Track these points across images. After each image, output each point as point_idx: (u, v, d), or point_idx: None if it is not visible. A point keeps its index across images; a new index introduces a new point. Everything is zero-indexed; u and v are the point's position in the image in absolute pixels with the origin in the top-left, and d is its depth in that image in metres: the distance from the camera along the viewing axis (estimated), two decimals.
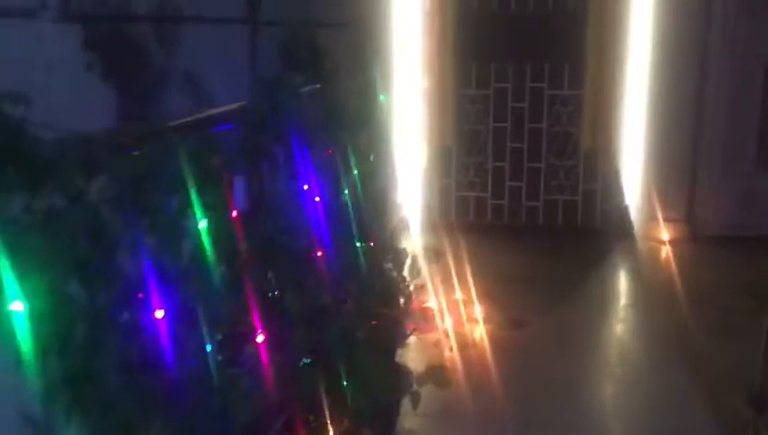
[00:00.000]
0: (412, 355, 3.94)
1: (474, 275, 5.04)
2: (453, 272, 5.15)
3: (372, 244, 3.16)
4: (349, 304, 2.60)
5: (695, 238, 6.03)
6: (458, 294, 4.73)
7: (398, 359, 3.32)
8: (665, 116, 5.88)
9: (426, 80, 6.31)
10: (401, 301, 3.43)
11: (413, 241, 6.27)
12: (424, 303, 4.52)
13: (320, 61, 3.06)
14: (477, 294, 4.75)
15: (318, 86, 3.03)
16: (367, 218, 3.19)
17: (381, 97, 3.33)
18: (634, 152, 6.05)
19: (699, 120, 5.91)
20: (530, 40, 6.13)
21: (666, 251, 5.93)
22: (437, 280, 4.92)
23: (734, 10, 5.68)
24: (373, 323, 2.79)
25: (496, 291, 4.92)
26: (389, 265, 3.34)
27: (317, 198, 2.71)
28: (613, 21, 5.90)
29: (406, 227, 6.38)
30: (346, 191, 3.08)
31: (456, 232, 6.32)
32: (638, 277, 5.57)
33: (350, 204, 2.95)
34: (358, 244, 2.96)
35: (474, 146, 6.45)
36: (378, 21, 5.43)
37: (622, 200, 6.19)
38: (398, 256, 3.38)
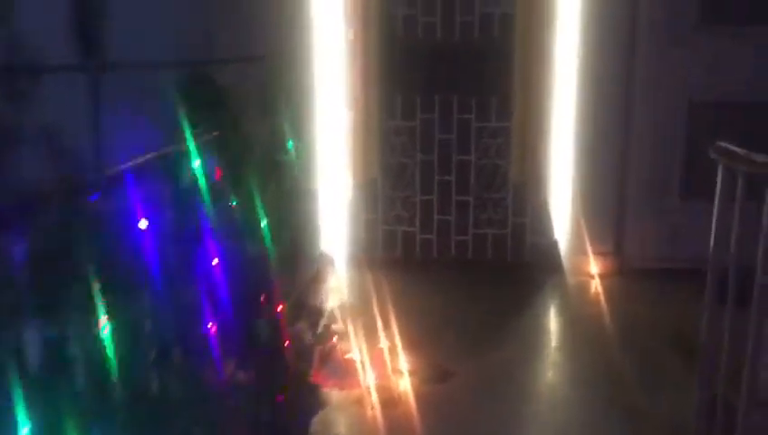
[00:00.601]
0: (333, 416, 3.65)
1: (400, 319, 4.80)
2: (378, 316, 4.90)
3: (281, 304, 2.87)
4: (245, 382, 2.29)
5: (623, 272, 5.95)
6: (383, 342, 4.47)
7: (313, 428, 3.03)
8: (592, 148, 5.80)
9: (349, 111, 6.07)
10: (316, 362, 3.15)
11: (338, 280, 6.01)
12: (346, 354, 4.24)
13: (221, 104, 2.77)
14: (403, 342, 4.50)
15: (219, 134, 2.74)
16: (276, 276, 2.90)
17: (290, 143, 3.05)
18: (562, 185, 5.95)
19: (625, 152, 5.86)
20: (456, 71, 5.97)
21: (595, 286, 5.83)
22: (361, 325, 4.67)
23: (659, 42, 5.65)
24: (280, 400, 2.50)
25: (423, 336, 4.69)
26: (302, 325, 3.06)
27: (213, 263, 2.40)
28: (540, 52, 5.79)
29: (330, 265, 6.11)
30: (251, 249, 2.79)
31: (382, 268, 6.09)
32: (568, 316, 5.43)
33: (253, 263, 2.65)
34: (262, 307, 2.66)
35: (400, 179, 6.23)
36: (297, 52, 5.15)
37: (551, 234, 6.08)
38: (313, 314, 3.10)
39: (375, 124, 6.11)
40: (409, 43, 5.96)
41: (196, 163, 2.29)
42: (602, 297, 5.62)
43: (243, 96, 2.99)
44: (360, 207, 6.29)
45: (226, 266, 2.44)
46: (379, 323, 4.83)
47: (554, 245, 6.08)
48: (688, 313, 4.44)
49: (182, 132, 2.41)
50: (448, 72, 5.99)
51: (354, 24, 5.88)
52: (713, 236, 3.44)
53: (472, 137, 6.09)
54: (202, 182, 2.39)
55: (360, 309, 5.07)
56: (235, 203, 2.74)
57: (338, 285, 5.90)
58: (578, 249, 6.00)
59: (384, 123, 6.13)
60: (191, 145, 2.39)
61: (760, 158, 3.02)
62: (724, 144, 3.34)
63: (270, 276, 2.68)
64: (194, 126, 2.54)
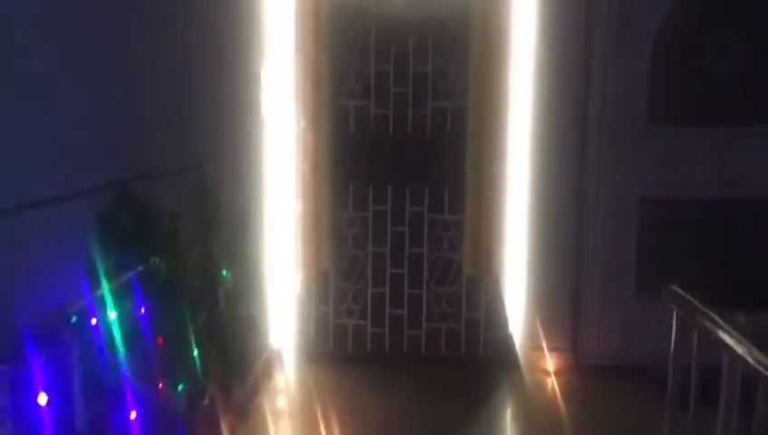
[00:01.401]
0: None
1: (344, 422, 4.58)
2: (321, 418, 4.68)
3: None
4: None
5: (580, 368, 5.81)
6: None
7: None
8: (545, 243, 5.74)
9: (300, 203, 5.93)
10: None
11: (285, 378, 5.75)
12: None
13: (149, 231, 2.59)
14: None
15: (146, 266, 2.54)
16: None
17: (224, 271, 2.87)
18: (517, 279, 5.85)
19: (579, 247, 5.81)
20: (409, 163, 5.90)
21: (551, 384, 5.67)
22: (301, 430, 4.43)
23: (609, 142, 5.68)
24: None
25: None
26: None
27: (131, 417, 2.18)
28: (493, 147, 5.78)
29: (278, 363, 5.87)
30: (180, 388, 2.56)
31: (333, 363, 5.86)
32: (524, 419, 5.25)
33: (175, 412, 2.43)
34: None
35: (352, 271, 6.06)
36: (243, 149, 5.03)
37: (506, 328, 5.94)
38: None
39: (326, 216, 5.97)
40: (362, 136, 5.89)
41: (113, 314, 2.08)
42: (559, 398, 5.45)
43: (175, 217, 2.81)
44: (311, 301, 6.08)
45: (145, 420, 2.22)
46: (322, 427, 4.60)
47: (509, 339, 5.94)
48: (644, 415, 4.32)
49: (102, 275, 2.21)
50: (401, 164, 5.92)
51: (305, 115, 5.80)
52: (672, 343, 3.36)
53: (425, 229, 5.99)
54: (121, 330, 2.18)
55: (304, 410, 4.82)
56: (161, 339, 2.52)
57: (284, 384, 5.64)
58: (533, 344, 5.86)
59: (336, 215, 6.00)
60: (111, 289, 2.19)
61: (718, 318, 2.92)
62: (676, 289, 3.27)
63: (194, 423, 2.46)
64: (119, 261, 2.35)
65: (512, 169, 5.81)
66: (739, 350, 2.64)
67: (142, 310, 2.43)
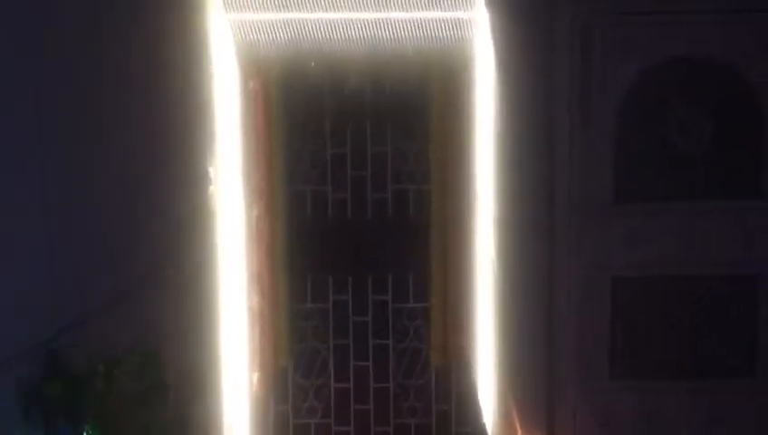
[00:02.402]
0: None
1: None
2: None
3: None
4: None
5: None
6: None
7: None
8: (517, 329, 5.46)
9: (255, 297, 5.53)
10: None
11: None
12: None
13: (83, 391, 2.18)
14: None
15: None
16: None
17: None
18: (488, 368, 5.53)
19: (551, 333, 5.56)
20: (370, 249, 5.57)
21: None
22: None
23: (577, 219, 5.50)
24: None
25: None
26: None
27: None
28: (458, 229, 5.51)
29: None
30: None
31: None
32: None
33: None
34: None
35: (312, 366, 5.64)
36: (191, 258, 4.67)
37: (479, 421, 5.59)
38: None
39: (282, 308, 5.57)
40: (319, 222, 5.55)
41: None
42: None
43: (111, 364, 2.41)
44: (269, 400, 5.63)
45: None
46: None
47: (483, 433, 5.58)
48: None
49: None
50: (361, 250, 5.58)
51: (258, 204, 5.45)
52: None
53: (389, 319, 5.64)
54: None
55: None
56: None
57: None
58: None
59: (293, 307, 5.60)
60: None
61: None
62: None
63: None
64: None
65: (478, 252, 5.54)
66: None
67: None
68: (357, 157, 5.57)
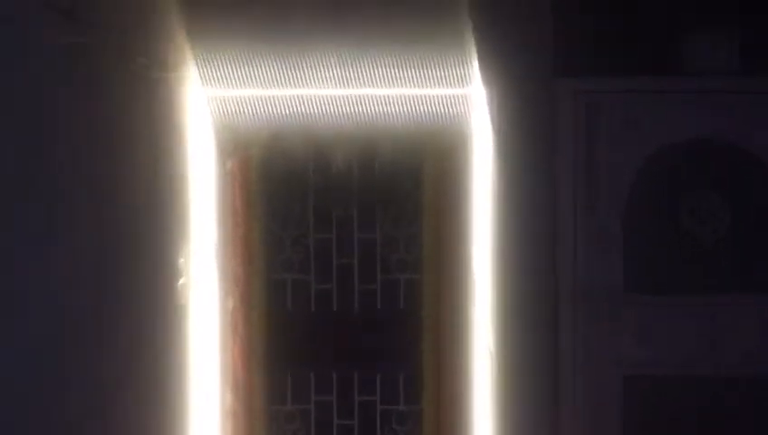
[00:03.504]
0: None
1: None
2: None
3: None
4: None
5: None
6: None
7: None
8: None
9: (230, 396, 5.01)
10: None
11: None
12: None
13: None
14: None
15: None
16: None
17: None
18: None
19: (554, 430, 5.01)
20: (356, 345, 5.10)
21: None
22: None
23: (583, 314, 5.02)
24: None
25: None
26: None
27: None
28: (454, 322, 5.03)
29: None
30: None
31: None
32: None
33: None
34: None
35: None
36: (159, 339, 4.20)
37: None
38: None
39: (259, 411, 5.05)
40: (301, 314, 5.07)
41: None
42: None
43: None
44: None
45: None
46: None
47: None
48: None
49: None
50: (347, 346, 5.10)
51: (235, 294, 4.99)
52: None
53: (377, 423, 5.10)
54: None
55: None
56: None
57: None
58: None
59: (271, 407, 5.07)
60: None
61: None
62: None
63: None
64: None
65: (476, 349, 5.04)
66: None
67: None
68: (343, 243, 5.12)
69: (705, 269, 5.08)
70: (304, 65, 4.81)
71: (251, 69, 4.78)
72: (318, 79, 4.82)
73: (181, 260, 4.55)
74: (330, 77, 4.83)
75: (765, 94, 5.03)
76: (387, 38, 4.75)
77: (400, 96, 5.01)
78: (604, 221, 5.04)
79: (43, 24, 3.68)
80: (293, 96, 4.91)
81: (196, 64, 4.74)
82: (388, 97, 5.00)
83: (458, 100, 5.09)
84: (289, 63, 4.80)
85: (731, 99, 4.98)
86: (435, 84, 4.99)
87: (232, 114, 4.91)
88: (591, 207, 5.04)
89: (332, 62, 4.80)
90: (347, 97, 4.95)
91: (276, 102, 4.90)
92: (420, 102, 5.04)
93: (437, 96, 5.04)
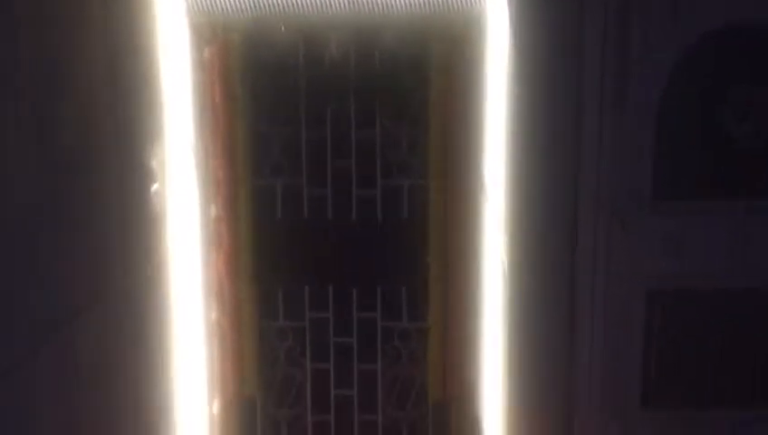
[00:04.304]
0: None
1: None
2: None
3: None
4: None
5: None
6: None
7: None
8: (533, 355, 4.52)
9: (214, 310, 4.57)
10: None
11: None
12: None
13: None
14: None
15: None
16: None
17: None
18: (497, 403, 4.60)
19: (572, 359, 4.62)
20: (355, 256, 4.63)
21: None
22: None
23: (604, 223, 4.52)
24: None
25: None
26: None
27: None
28: (463, 232, 4.54)
29: None
30: None
31: None
32: None
33: None
34: None
35: (286, 395, 4.73)
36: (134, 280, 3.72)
37: None
38: None
39: (249, 326, 4.63)
40: (293, 224, 4.57)
41: None
42: None
43: None
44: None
45: None
46: None
47: None
48: None
49: None
50: (345, 258, 4.63)
51: (217, 200, 4.45)
52: None
53: (378, 340, 4.70)
54: None
55: None
56: None
57: None
58: None
59: (262, 325, 4.66)
60: None
61: None
62: None
63: None
64: None
65: (486, 261, 4.58)
66: None
67: None
68: (339, 144, 4.56)
69: (746, 173, 4.56)
70: None
71: None
72: None
73: (154, 162, 3.99)
74: None
75: None
76: None
77: None
78: (634, 118, 4.47)
79: None
80: None
81: None
82: None
83: None
84: None
85: None
86: None
87: None
88: (621, 102, 4.45)
89: None
90: None
91: None
92: None
93: None
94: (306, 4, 4.28)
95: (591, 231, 4.58)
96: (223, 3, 4.23)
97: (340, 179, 4.54)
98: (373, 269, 4.64)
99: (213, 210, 4.47)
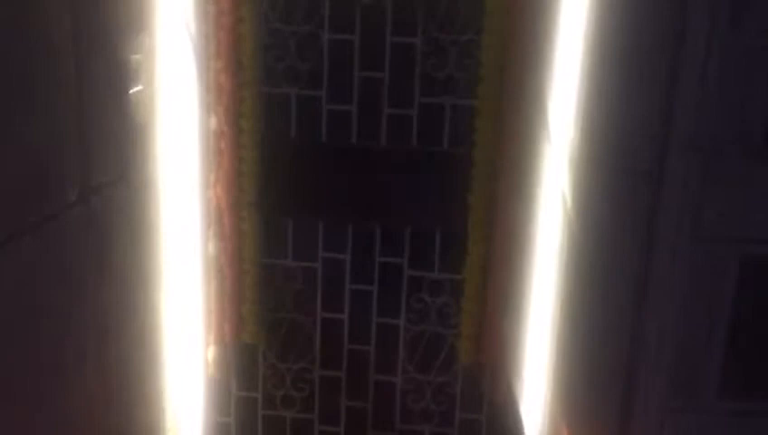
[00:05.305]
0: None
1: None
2: None
3: None
4: None
5: None
6: None
7: None
8: (586, 319, 3.77)
9: (213, 244, 3.88)
10: None
11: None
12: None
13: None
14: None
15: None
16: None
17: None
18: (539, 372, 3.88)
19: (637, 327, 3.83)
20: (381, 189, 3.84)
21: None
22: None
23: (697, 170, 3.62)
24: None
25: None
26: None
27: None
28: (514, 167, 3.69)
29: None
30: None
31: None
32: None
33: None
34: None
35: (292, 345, 4.09)
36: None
37: None
38: None
39: (251, 262, 3.93)
40: (308, 145, 3.78)
41: None
42: None
43: None
44: (230, 383, 4.11)
45: None
46: None
47: None
48: None
49: None
50: (369, 190, 3.86)
51: (216, 109, 3.67)
52: None
53: (403, 291, 3.97)
54: None
55: None
56: None
57: None
58: None
59: (267, 262, 3.95)
60: None
61: None
62: None
63: None
64: None
65: (542, 206, 3.76)
66: None
67: None
68: (369, 49, 3.69)
69: None
70: None
71: None
72: None
73: (137, 57, 3.21)
74: None
75: None
76: None
77: None
78: (749, 45, 3.49)
79: None
80: None
81: None
82: None
83: None
84: None
85: None
86: None
87: None
88: (735, 25, 3.49)
89: None
90: None
91: None
92: None
93: None
94: None
95: (680, 181, 3.71)
96: None
97: (368, 94, 3.71)
98: (402, 206, 3.86)
99: (212, 122, 3.69)
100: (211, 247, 3.90)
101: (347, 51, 3.68)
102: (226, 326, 4.02)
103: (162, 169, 3.56)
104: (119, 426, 3.65)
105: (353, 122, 3.77)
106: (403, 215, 3.87)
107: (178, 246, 3.78)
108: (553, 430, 3.95)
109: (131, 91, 3.23)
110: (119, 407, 3.65)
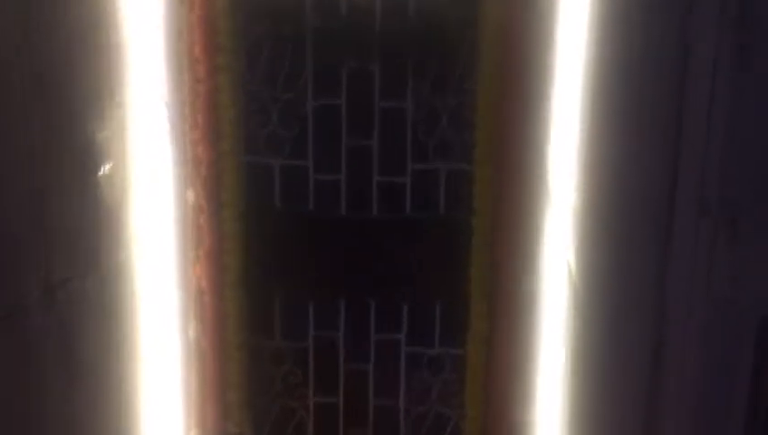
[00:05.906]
0: None
1: None
2: None
3: None
4: None
5: None
6: None
7: None
8: (601, 403, 3.52)
9: (192, 325, 3.59)
10: None
11: None
12: None
13: None
14: None
15: None
16: None
17: None
18: None
19: (655, 397, 3.59)
20: (375, 261, 3.62)
21: None
22: None
23: (709, 224, 3.45)
24: None
25: None
26: None
27: None
28: (514, 233, 3.50)
29: None
30: None
31: None
32: None
33: None
34: None
35: (282, 434, 3.76)
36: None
37: None
38: None
39: (236, 346, 3.64)
40: (295, 217, 3.55)
41: None
42: None
43: None
44: None
45: None
46: None
47: None
48: None
49: None
50: (362, 262, 3.63)
51: (194, 181, 3.44)
52: None
53: (401, 369, 3.71)
54: None
55: None
56: None
57: None
58: None
59: (254, 344, 3.67)
60: None
61: None
62: None
63: None
64: None
65: (547, 272, 3.56)
66: None
67: None
68: (357, 114, 3.53)
69: None
70: None
71: None
72: None
73: (109, 131, 2.97)
74: None
75: None
76: None
77: None
78: (761, 78, 3.41)
79: None
80: None
81: None
82: None
83: None
84: None
85: None
86: None
87: None
88: (744, 65, 3.39)
89: None
90: None
91: None
92: None
93: None
94: None
95: (692, 240, 3.55)
96: None
97: (357, 161, 3.52)
98: (397, 278, 3.63)
99: (190, 196, 3.46)
100: (191, 331, 3.62)
101: (333, 117, 3.51)
102: (209, 416, 3.70)
103: (136, 254, 3.30)
104: None
105: (342, 192, 3.56)
106: (399, 287, 3.64)
107: (156, 332, 3.49)
108: None
109: (100, 172, 2.99)
110: None
